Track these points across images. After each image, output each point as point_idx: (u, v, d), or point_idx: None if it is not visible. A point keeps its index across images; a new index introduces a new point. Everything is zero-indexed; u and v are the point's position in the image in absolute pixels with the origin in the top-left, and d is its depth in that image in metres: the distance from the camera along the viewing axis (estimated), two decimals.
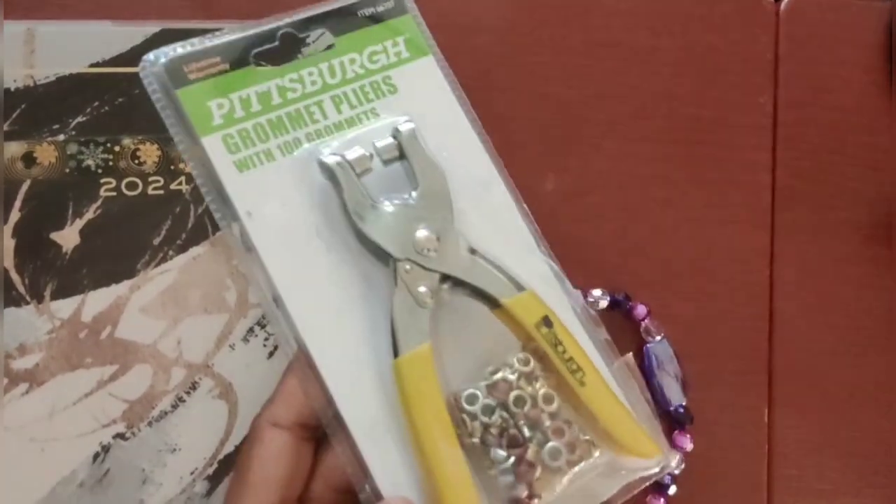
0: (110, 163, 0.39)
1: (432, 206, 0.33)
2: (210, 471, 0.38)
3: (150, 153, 0.40)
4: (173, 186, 0.40)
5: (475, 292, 0.32)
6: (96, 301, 0.38)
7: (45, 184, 0.39)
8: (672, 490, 0.41)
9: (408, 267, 0.32)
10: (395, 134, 0.34)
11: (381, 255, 0.32)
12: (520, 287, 0.32)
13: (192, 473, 0.38)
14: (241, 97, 0.33)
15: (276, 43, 0.35)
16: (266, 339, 0.39)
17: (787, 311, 0.45)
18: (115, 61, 0.40)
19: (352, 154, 0.33)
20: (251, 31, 0.34)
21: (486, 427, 0.31)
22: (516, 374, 0.32)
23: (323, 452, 0.33)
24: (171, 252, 0.39)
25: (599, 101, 0.46)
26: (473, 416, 0.31)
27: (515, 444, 0.31)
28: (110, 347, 0.38)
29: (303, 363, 0.31)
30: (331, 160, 0.32)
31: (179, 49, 0.33)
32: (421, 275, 0.32)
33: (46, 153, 0.39)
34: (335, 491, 0.32)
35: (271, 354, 0.39)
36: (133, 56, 0.40)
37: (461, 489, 0.29)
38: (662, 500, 0.41)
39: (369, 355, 0.32)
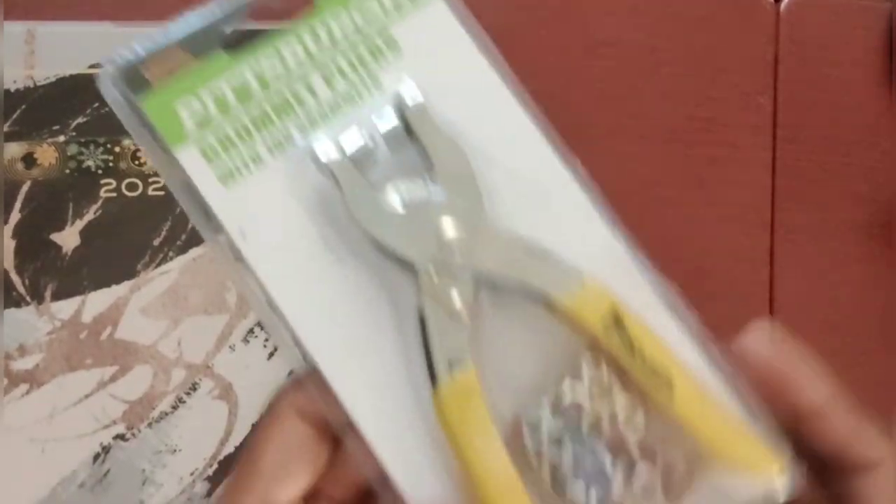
0: (110, 164, 0.39)
1: (455, 192, 0.27)
2: (210, 471, 0.38)
3: None
4: None
5: (521, 292, 0.26)
6: (96, 302, 0.38)
7: (46, 185, 0.39)
8: None
9: (434, 272, 0.26)
10: (399, 108, 0.27)
11: (403, 263, 0.27)
12: (578, 277, 0.26)
13: (192, 474, 0.38)
14: (213, 93, 0.28)
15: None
16: (266, 340, 0.39)
17: (787, 311, 0.45)
18: None
19: (349, 145, 0.27)
20: (217, 12, 0.29)
21: (556, 463, 0.25)
22: (587, 390, 0.25)
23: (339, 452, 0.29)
24: (171, 253, 0.39)
25: (599, 101, 0.46)
26: (540, 450, 0.25)
27: (598, 479, 0.25)
28: (110, 348, 0.38)
29: (319, 385, 0.27)
30: (325, 156, 0.27)
31: (137, 47, 0.28)
32: (452, 281, 0.26)
33: (46, 154, 0.39)
34: (349, 492, 0.31)
35: (271, 355, 0.39)
36: None
37: None
38: None
39: (400, 381, 0.27)
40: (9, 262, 0.38)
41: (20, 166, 0.38)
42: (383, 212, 0.27)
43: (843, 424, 0.26)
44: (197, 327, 0.39)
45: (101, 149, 0.39)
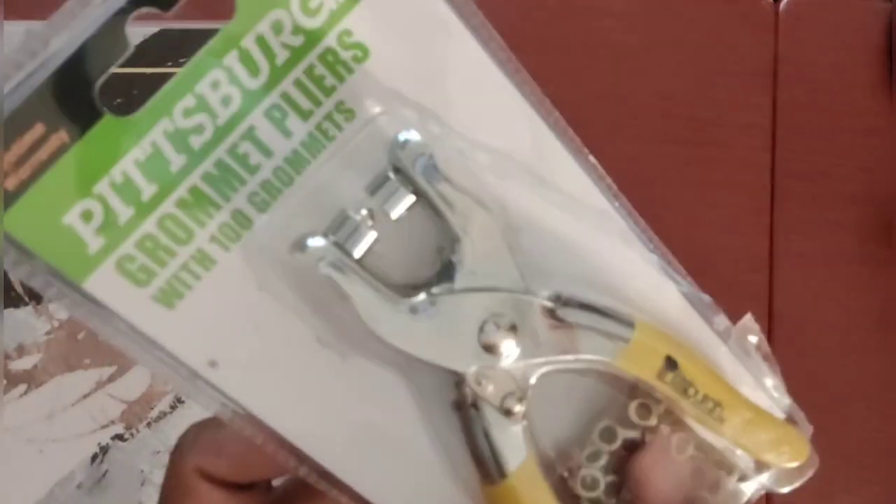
0: None
1: (485, 271, 0.22)
2: None
3: None
4: None
5: (573, 366, 0.23)
6: None
7: None
8: None
9: (479, 376, 0.22)
10: (395, 163, 0.21)
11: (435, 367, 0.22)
12: (628, 329, 0.23)
13: None
14: (114, 183, 0.19)
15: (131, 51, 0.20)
16: None
17: (786, 311, 0.45)
18: None
19: (344, 237, 0.20)
20: (81, 40, 0.19)
21: None
22: (639, 433, 0.24)
23: None
24: None
25: (598, 102, 0.46)
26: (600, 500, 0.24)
27: None
28: (109, 348, 0.38)
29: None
30: (324, 268, 0.20)
31: None
32: (500, 380, 0.22)
33: None
34: None
35: None
36: (132, 56, 0.40)
37: None
38: None
39: (439, 482, 0.23)
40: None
41: None
42: (408, 322, 0.21)
43: None
44: None
45: None
